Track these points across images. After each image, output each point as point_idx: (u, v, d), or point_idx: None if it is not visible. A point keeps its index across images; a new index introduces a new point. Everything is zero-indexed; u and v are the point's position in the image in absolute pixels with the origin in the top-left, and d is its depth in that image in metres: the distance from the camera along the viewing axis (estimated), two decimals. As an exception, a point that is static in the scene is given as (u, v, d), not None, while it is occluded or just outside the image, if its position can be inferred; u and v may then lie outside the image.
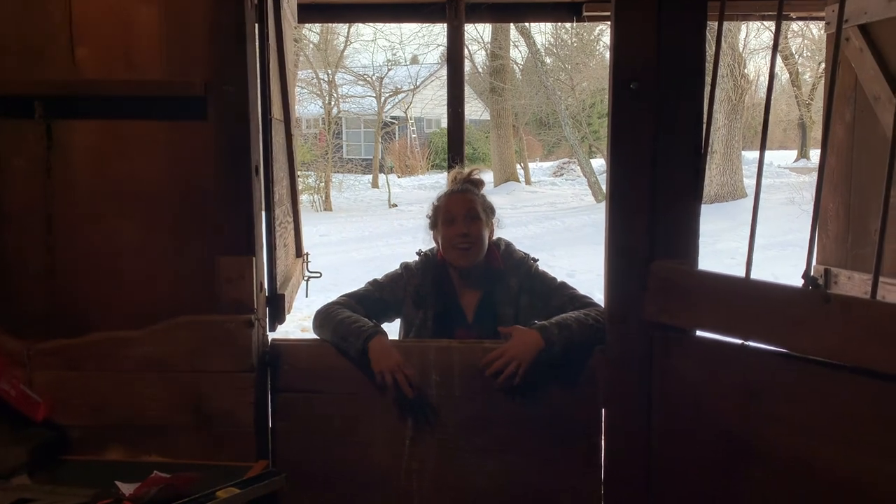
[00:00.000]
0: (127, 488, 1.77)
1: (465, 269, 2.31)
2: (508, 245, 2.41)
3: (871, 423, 1.55)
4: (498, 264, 2.34)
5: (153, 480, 1.74)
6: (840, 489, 1.61)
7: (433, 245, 2.42)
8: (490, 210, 2.36)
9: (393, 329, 2.38)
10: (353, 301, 2.27)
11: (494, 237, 2.41)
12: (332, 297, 2.30)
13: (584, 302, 2.22)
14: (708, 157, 1.98)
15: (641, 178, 1.95)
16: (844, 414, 1.59)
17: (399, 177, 22.73)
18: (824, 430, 1.63)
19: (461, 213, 2.28)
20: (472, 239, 2.27)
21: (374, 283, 2.36)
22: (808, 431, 1.66)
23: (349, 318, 2.14)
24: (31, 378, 2.06)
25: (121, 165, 2.07)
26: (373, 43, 28.66)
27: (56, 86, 2.04)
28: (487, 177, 19.25)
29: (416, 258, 2.41)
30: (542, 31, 21.80)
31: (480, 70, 22.19)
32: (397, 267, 2.40)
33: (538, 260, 2.39)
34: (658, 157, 1.94)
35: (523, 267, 2.34)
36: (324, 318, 2.19)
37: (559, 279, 2.34)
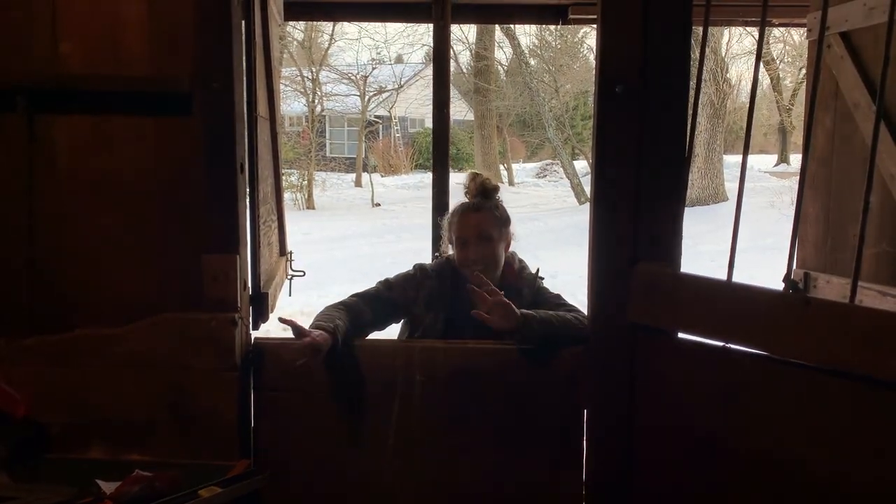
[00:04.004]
0: (108, 487, 1.76)
1: None
2: (521, 261, 2.44)
3: (848, 424, 1.58)
4: (512, 279, 2.35)
5: (134, 479, 1.73)
6: (817, 490, 1.63)
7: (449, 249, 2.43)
8: (505, 222, 2.35)
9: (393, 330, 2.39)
10: (362, 301, 2.26)
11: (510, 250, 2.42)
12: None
13: (569, 307, 2.28)
14: (690, 161, 2.00)
15: (626, 181, 1.96)
16: (822, 416, 1.62)
17: (382, 176, 22.68)
18: (803, 431, 1.65)
19: (473, 236, 2.28)
20: (485, 261, 2.27)
21: (385, 282, 2.36)
22: (788, 433, 1.68)
23: (322, 316, 2.14)
24: (11, 374, 2.04)
25: (105, 160, 2.05)
26: (357, 42, 28.66)
27: (39, 79, 2.02)
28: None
29: (433, 260, 2.40)
30: (526, 33, 21.91)
31: (465, 70, 22.22)
32: (409, 268, 2.39)
33: (544, 278, 2.43)
34: (642, 160, 1.96)
35: (534, 282, 2.37)
36: (316, 316, 2.19)
37: (555, 292, 2.39)
